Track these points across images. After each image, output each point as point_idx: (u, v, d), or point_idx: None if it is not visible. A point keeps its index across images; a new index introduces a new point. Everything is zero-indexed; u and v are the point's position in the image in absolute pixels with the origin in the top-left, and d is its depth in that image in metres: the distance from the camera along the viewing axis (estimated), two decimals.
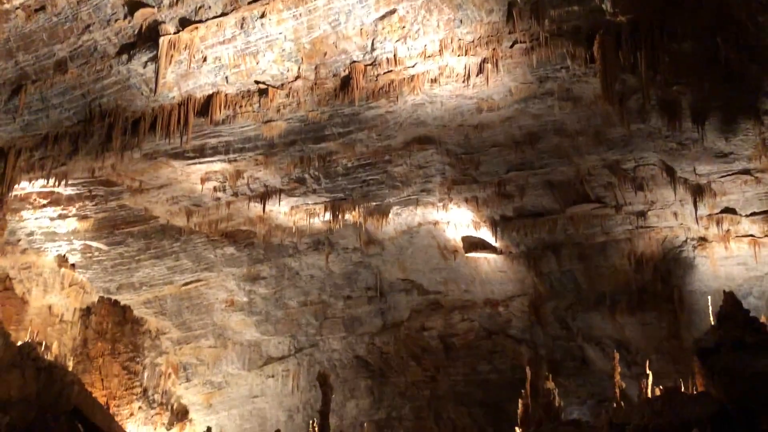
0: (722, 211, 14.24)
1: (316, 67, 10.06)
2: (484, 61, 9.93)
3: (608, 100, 10.07)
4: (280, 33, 9.21)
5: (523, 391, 13.86)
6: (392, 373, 19.61)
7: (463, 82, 10.35)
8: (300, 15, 8.93)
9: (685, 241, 15.38)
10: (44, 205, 14.50)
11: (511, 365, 18.16)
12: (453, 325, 18.67)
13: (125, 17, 8.91)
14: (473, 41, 9.56)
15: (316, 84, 10.38)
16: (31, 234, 15.77)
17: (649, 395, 12.31)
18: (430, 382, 19.29)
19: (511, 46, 9.64)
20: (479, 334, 18.58)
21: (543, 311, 17.68)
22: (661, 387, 11.99)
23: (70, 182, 13.20)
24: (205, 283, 18.42)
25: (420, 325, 18.90)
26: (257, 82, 10.30)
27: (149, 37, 9.21)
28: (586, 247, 16.21)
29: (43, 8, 8.78)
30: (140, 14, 8.83)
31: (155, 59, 9.31)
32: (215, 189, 14.33)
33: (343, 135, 12.20)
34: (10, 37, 9.13)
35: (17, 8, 8.70)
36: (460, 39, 9.50)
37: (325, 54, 9.72)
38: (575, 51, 9.56)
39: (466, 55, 9.77)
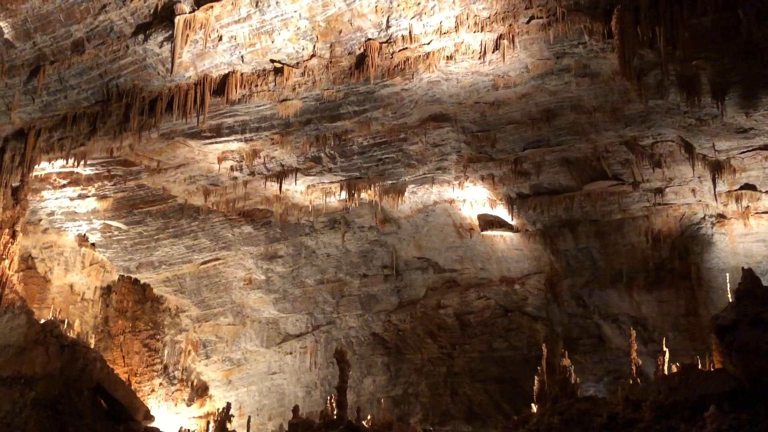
0: (742, 188, 14.09)
1: (331, 46, 10.03)
2: (500, 37, 9.83)
3: (626, 75, 9.95)
4: (295, 11, 9.17)
5: (539, 368, 13.91)
6: (408, 350, 19.76)
7: (479, 58, 10.28)
8: None
9: (704, 218, 15.26)
10: (64, 185, 14.69)
11: (527, 342, 18.22)
12: (469, 302, 18.74)
13: None
14: (489, 17, 9.48)
15: (331, 62, 10.35)
16: (51, 214, 16.00)
17: (666, 372, 12.32)
18: (447, 359, 19.43)
19: (528, 22, 9.54)
20: (495, 311, 18.64)
21: (559, 289, 17.68)
22: (677, 364, 11.99)
23: (89, 162, 13.34)
24: (223, 261, 18.62)
25: (436, 302, 18.99)
26: (273, 61, 10.29)
27: (165, 16, 9.22)
28: (603, 225, 16.15)
29: None
30: None
31: (171, 39, 9.32)
32: (232, 168, 14.41)
33: (358, 113, 12.19)
34: (27, 18, 9.19)
35: None
36: (476, 15, 9.42)
37: (340, 32, 9.68)
38: (593, 26, 9.45)
39: (482, 31, 9.68)
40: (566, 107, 12.16)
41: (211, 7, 8.98)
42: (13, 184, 12.91)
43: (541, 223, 16.36)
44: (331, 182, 15.31)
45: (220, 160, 13.94)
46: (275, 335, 20.27)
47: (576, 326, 17.90)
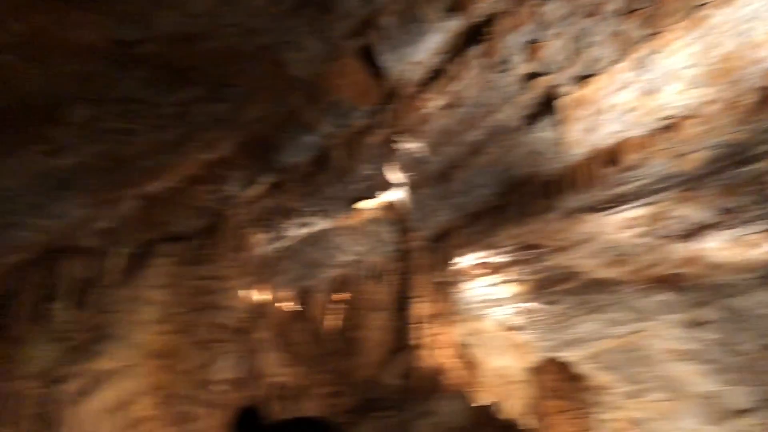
0: None
1: (724, 87, 9.16)
2: None
3: None
4: (678, 63, 8.72)
5: None
6: None
7: None
8: (696, 39, 8.35)
9: None
10: (479, 275, 16.00)
11: None
12: None
13: (523, 91, 9.56)
14: None
15: (729, 105, 9.44)
16: (470, 303, 17.48)
17: None
18: None
19: None
20: None
21: None
22: None
23: (497, 251, 14.35)
24: (642, 333, 17.76)
25: None
26: (662, 118, 9.84)
27: (548, 102, 9.69)
28: None
29: (453, 105, 10.02)
30: (536, 84, 9.38)
31: (557, 122, 9.69)
32: (636, 235, 13.92)
33: None
34: (434, 135, 10.62)
35: (436, 109, 10.14)
36: None
37: (734, 70, 8.81)
38: None
39: None
40: None
41: (591, 82, 9.13)
42: (438, 281, 14.62)
43: None
44: (753, 233, 13.58)
45: (622, 229, 13.62)
46: (715, 412, 18.21)
47: None
